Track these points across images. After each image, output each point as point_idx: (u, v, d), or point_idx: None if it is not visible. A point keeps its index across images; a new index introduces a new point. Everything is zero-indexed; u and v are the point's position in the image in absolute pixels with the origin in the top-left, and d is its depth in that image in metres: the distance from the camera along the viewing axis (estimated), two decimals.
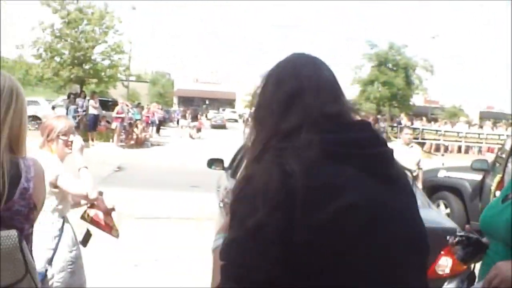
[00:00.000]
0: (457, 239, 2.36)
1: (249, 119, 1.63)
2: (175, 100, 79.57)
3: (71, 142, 3.79)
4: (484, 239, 2.34)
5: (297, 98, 1.52)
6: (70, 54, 28.32)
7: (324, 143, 1.40)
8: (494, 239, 2.26)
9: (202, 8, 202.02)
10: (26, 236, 2.06)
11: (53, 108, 27.89)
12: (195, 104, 69.50)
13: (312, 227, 1.29)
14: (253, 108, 1.63)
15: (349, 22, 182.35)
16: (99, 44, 29.27)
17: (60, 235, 3.61)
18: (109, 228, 4.04)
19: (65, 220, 3.72)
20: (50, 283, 3.52)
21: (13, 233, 1.93)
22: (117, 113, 22.99)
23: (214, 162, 7.92)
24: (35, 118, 27.46)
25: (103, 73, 29.96)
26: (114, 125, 23.06)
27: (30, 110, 28.26)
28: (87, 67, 29.09)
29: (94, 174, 3.27)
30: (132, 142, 23.45)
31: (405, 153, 8.71)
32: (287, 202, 1.30)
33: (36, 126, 26.59)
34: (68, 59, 28.46)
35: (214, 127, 50.05)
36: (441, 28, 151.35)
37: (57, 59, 29.03)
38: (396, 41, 38.81)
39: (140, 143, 24.10)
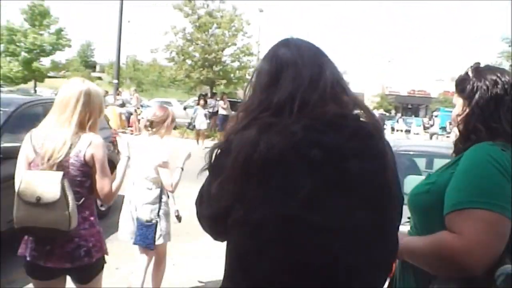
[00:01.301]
0: None
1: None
2: None
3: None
4: None
5: (283, 73, 1.62)
6: (201, 56, 29.21)
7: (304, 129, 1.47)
8: None
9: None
10: (80, 182, 3.16)
11: (185, 108, 28.77)
12: None
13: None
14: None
15: (482, 18, 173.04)
16: (228, 47, 29.94)
17: (160, 196, 4.74)
18: None
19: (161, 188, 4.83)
20: (158, 230, 4.71)
21: (60, 173, 3.01)
22: None
23: None
24: None
25: (232, 75, 30.60)
26: None
27: None
28: (217, 69, 29.90)
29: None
30: None
31: None
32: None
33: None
34: (199, 62, 29.40)
35: None
36: None
37: (188, 61, 30.11)
38: None
39: None
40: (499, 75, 2.02)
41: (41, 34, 41.38)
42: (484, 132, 1.95)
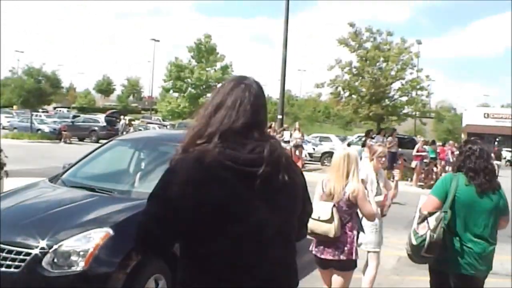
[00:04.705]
0: None
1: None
2: (463, 136, 75.39)
3: (383, 162, 6.16)
4: None
5: (217, 111, 2.14)
6: (368, 91, 28.46)
7: (219, 156, 2.02)
8: None
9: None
10: (345, 210, 4.88)
11: (349, 145, 28.25)
12: (485, 141, 64.82)
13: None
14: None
15: None
16: (396, 81, 28.96)
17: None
18: None
19: None
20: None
21: (331, 203, 4.89)
22: (418, 151, 21.94)
23: None
24: (331, 153, 28.11)
25: (400, 110, 29.53)
26: (414, 163, 22.04)
27: (325, 147, 29.12)
28: (384, 104, 28.97)
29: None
30: (432, 182, 22.14)
31: None
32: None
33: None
34: (366, 96, 28.66)
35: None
36: None
37: (354, 96, 29.50)
38: None
39: None
40: (470, 145, 4.35)
41: (207, 70, 43.23)
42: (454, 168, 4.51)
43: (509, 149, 54.82)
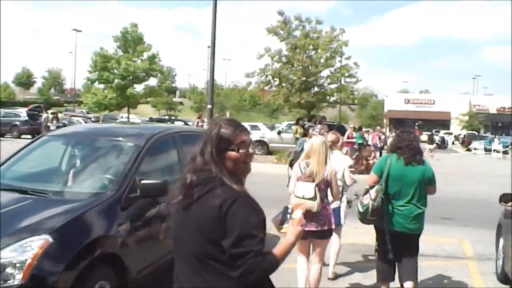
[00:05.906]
0: None
1: None
2: (385, 121, 77.45)
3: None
4: None
5: None
6: (299, 79, 28.40)
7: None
8: None
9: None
10: (323, 188, 5.79)
11: (279, 133, 28.31)
12: (406, 126, 66.93)
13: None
14: None
15: None
16: (325, 68, 29.08)
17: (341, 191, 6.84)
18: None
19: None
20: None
21: (313, 184, 5.70)
22: (348, 137, 22.18)
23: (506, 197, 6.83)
24: (261, 142, 27.88)
25: (329, 97, 29.76)
26: (344, 150, 22.21)
27: (255, 135, 28.78)
28: (315, 91, 29.08)
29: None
30: (362, 167, 22.44)
31: None
32: None
33: (263, 150, 27.10)
34: (296, 85, 28.60)
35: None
36: None
37: (284, 84, 29.41)
38: None
39: (370, 169, 22.94)
40: (398, 132, 6.19)
41: (134, 61, 42.11)
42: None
43: (428, 133, 56.30)
